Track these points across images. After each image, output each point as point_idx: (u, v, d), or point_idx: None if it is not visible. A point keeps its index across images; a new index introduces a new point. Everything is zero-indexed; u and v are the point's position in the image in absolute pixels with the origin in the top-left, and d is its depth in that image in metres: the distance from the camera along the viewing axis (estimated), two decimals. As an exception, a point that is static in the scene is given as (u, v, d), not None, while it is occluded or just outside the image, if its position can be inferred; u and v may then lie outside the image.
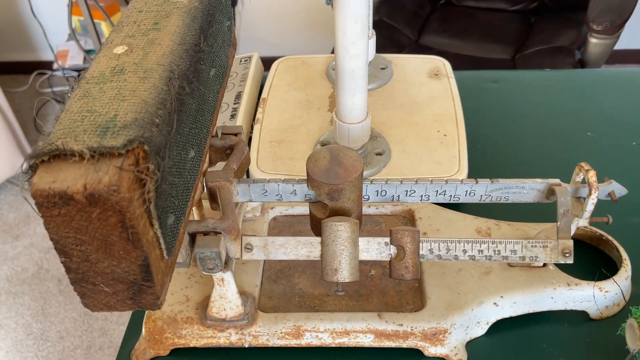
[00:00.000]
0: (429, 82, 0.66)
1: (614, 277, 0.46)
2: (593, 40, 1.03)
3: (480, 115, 0.66)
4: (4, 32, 2.04)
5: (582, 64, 1.11)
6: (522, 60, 1.20)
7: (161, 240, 0.29)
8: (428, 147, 0.58)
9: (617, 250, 0.48)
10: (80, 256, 0.27)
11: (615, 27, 0.99)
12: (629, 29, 1.84)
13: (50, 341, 1.27)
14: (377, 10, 1.32)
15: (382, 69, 0.67)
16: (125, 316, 1.31)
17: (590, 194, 0.41)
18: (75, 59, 1.62)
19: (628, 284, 0.47)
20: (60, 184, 0.25)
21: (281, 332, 0.44)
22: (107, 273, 0.28)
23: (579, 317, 0.46)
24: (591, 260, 0.49)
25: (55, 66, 1.65)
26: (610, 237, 0.49)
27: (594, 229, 0.50)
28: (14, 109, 1.62)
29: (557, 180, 0.43)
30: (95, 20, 1.44)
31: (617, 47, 1.13)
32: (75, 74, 1.71)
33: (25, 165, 0.26)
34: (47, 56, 2.08)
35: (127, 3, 1.86)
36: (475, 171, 0.57)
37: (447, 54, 1.20)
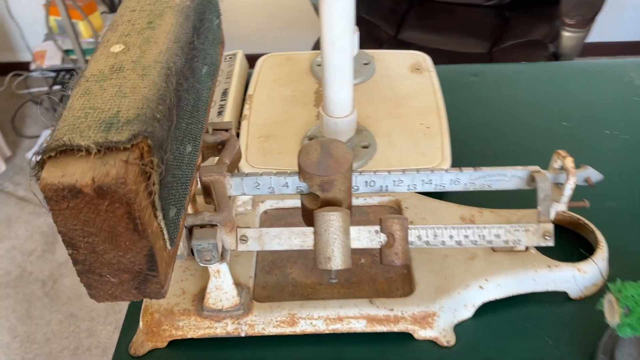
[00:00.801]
0: (411, 76, 0.68)
1: (591, 258, 0.48)
2: (566, 34, 1.06)
3: (461, 107, 0.68)
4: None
5: (556, 56, 1.14)
6: (499, 54, 1.23)
7: (164, 231, 0.30)
8: (412, 139, 0.59)
9: (594, 233, 0.50)
10: (87, 248, 0.28)
11: (587, 21, 1.02)
12: (599, 23, 1.89)
13: (37, 343, 1.27)
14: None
15: (365, 64, 0.69)
16: (112, 316, 1.31)
17: (568, 179, 0.43)
18: (53, 59, 1.60)
19: (605, 265, 0.49)
20: (69, 177, 0.26)
21: (276, 321, 0.46)
22: (113, 264, 0.29)
23: (560, 298, 0.48)
24: (570, 243, 0.52)
25: (33, 66, 1.63)
26: (587, 221, 0.51)
27: (572, 214, 0.52)
28: (-8, 111, 1.61)
29: (537, 168, 0.45)
30: (73, 20, 1.43)
31: (589, 40, 1.17)
32: (53, 74, 1.69)
33: (32, 161, 0.27)
34: (24, 57, 2.06)
35: (105, 3, 1.85)
36: (458, 161, 0.59)
37: (426, 49, 1.21)
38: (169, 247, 0.31)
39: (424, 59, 0.70)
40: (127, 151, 0.26)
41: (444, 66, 0.74)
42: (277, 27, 1.98)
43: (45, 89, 1.93)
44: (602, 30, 1.93)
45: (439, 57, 1.22)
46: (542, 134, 0.64)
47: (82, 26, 1.55)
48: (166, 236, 0.30)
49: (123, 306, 1.35)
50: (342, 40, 0.49)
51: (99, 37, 1.60)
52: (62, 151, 0.26)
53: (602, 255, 0.48)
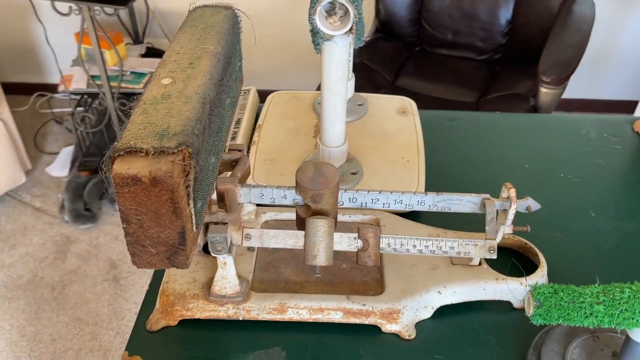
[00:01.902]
0: (398, 117, 0.79)
1: (531, 275, 0.58)
2: (543, 90, 1.19)
3: (438, 146, 0.79)
4: (19, 56, 2.16)
5: (535, 109, 1.26)
6: (485, 103, 1.35)
7: (193, 217, 0.41)
8: (393, 169, 0.70)
9: (537, 255, 0.61)
10: (137, 223, 0.39)
11: (562, 79, 1.14)
12: (585, 81, 2.03)
13: (42, 343, 1.35)
14: (358, 53, 1.47)
15: (359, 105, 0.81)
16: (115, 322, 1.39)
17: (510, 206, 0.54)
18: (79, 83, 1.74)
19: (544, 281, 0.59)
20: (133, 170, 0.37)
21: (269, 308, 0.56)
22: (154, 237, 0.40)
23: (505, 306, 0.58)
24: (518, 262, 0.62)
25: (60, 88, 1.76)
26: (532, 245, 0.61)
27: (521, 238, 0.62)
28: (16, 127, 1.73)
29: (488, 195, 0.56)
30: (103, 50, 1.57)
31: (565, 96, 1.29)
32: (77, 97, 1.82)
33: (105, 157, 0.38)
34: (49, 79, 2.20)
35: (130, 35, 2.00)
36: (431, 190, 0.70)
37: (419, 95, 1.35)
38: (195, 230, 0.42)
39: (410, 104, 0.82)
40: (174, 154, 0.37)
41: (428, 111, 0.85)
42: (286, 67, 2.12)
43: (68, 109, 2.06)
44: (575, 88, 2.06)
45: (431, 104, 1.36)
46: (506, 173, 0.75)
47: (108, 55, 1.68)
48: (194, 220, 0.41)
49: (125, 314, 1.43)
50: (338, 85, 0.60)
51: (123, 65, 1.73)
52: (128, 151, 0.37)
53: (541, 272, 0.59)
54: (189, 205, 0.40)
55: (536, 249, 0.61)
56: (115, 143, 0.38)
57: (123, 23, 1.99)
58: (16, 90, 2.22)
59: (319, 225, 0.51)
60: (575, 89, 2.04)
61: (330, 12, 0.55)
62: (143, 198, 0.37)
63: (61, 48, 2.02)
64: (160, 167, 0.36)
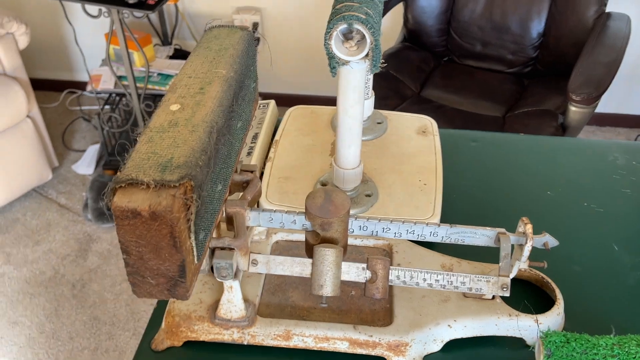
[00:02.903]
0: (417, 137, 0.78)
1: (547, 312, 0.56)
2: (572, 108, 1.15)
3: (458, 169, 0.77)
4: (50, 54, 2.20)
5: (563, 127, 1.23)
6: (512, 119, 1.32)
7: (194, 249, 0.40)
8: (410, 193, 0.69)
9: (554, 291, 0.58)
10: (137, 255, 0.38)
11: (592, 99, 1.11)
12: (617, 95, 1.96)
13: (60, 340, 1.37)
14: (385, 62, 1.45)
15: (379, 123, 0.79)
16: (131, 323, 1.41)
17: (526, 242, 0.52)
18: (107, 83, 1.76)
19: (559, 319, 0.57)
20: (133, 203, 0.36)
21: (274, 334, 0.55)
22: (154, 269, 0.39)
23: (517, 343, 0.56)
24: (534, 298, 0.60)
25: (88, 88, 1.79)
26: (549, 280, 0.59)
27: (538, 272, 0.60)
28: (45, 123, 1.76)
29: (503, 230, 0.54)
30: (130, 50, 1.59)
31: (606, 110, 1.24)
32: (105, 96, 1.85)
33: (108, 188, 0.37)
34: (80, 77, 2.24)
35: (159, 36, 2.02)
36: (447, 216, 0.68)
37: (445, 108, 1.32)
38: (196, 262, 0.41)
39: (431, 124, 0.80)
40: (175, 188, 0.37)
41: (448, 130, 0.83)
42: (310, 72, 2.11)
43: (96, 107, 2.09)
44: (621, 103, 2.00)
45: (456, 117, 1.33)
46: (527, 199, 0.73)
47: (136, 56, 1.70)
48: (195, 253, 0.40)
49: (142, 315, 1.45)
50: (354, 108, 0.59)
51: (150, 66, 1.75)
52: (129, 183, 0.37)
53: (557, 310, 0.56)
54: (189, 238, 0.39)
55: (553, 285, 0.59)
56: (118, 173, 0.38)
57: (152, 24, 2.01)
58: (48, 87, 2.27)
59: (327, 255, 0.50)
60: (608, 103, 1.98)
61: (347, 35, 0.54)
62: (143, 231, 0.37)
63: (90, 48, 2.06)
64: (160, 202, 0.36)
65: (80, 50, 2.01)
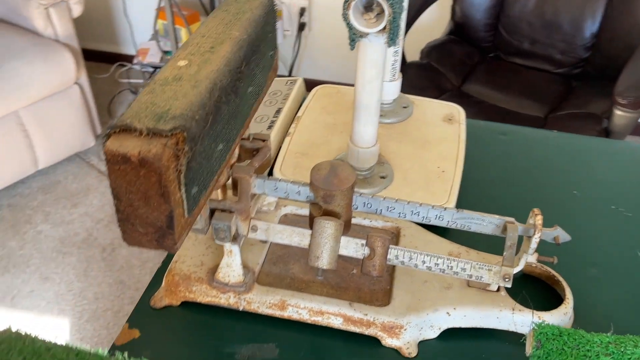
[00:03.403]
0: (442, 125, 0.76)
1: (554, 310, 0.54)
2: (617, 112, 1.09)
3: (482, 160, 0.75)
4: (98, 25, 2.28)
5: (607, 132, 1.17)
6: (554, 120, 1.27)
7: (184, 202, 0.40)
8: (426, 179, 0.67)
9: (564, 289, 0.56)
10: (127, 202, 0.39)
11: (639, 103, 1.05)
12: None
13: (86, 300, 1.42)
14: (427, 54, 1.42)
15: (404, 107, 0.78)
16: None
17: (534, 233, 0.50)
18: (153, 57, 1.80)
19: (568, 319, 0.54)
20: (124, 148, 0.36)
21: (270, 302, 0.55)
22: (143, 217, 0.40)
23: (518, 339, 0.54)
24: (545, 296, 0.57)
25: (135, 61, 1.84)
26: (560, 278, 0.57)
27: (550, 269, 0.58)
28: (94, 93, 1.82)
29: (512, 219, 0.52)
30: (176, 26, 1.62)
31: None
32: (151, 69, 1.89)
33: (103, 132, 0.38)
34: (129, 50, 2.30)
35: (207, 13, 2.05)
36: (463, 206, 0.66)
37: (484, 104, 1.28)
38: (187, 216, 0.41)
39: (458, 112, 0.78)
40: (167, 137, 0.37)
41: (478, 121, 0.81)
42: (351, 63, 2.10)
43: (142, 81, 2.15)
44: None
45: (495, 114, 1.29)
46: (551, 198, 0.70)
47: (183, 32, 1.73)
48: (185, 206, 0.40)
49: (166, 285, 1.48)
50: (372, 84, 0.58)
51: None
52: (123, 129, 0.37)
53: (564, 309, 0.54)
54: (179, 190, 0.39)
55: (564, 283, 0.56)
56: (116, 119, 0.39)
57: (202, 2, 2.04)
58: (100, 59, 2.34)
59: (326, 227, 0.50)
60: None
61: (367, 8, 0.53)
62: (132, 177, 0.37)
63: (139, 21, 2.10)
64: (150, 149, 0.36)
65: (129, 23, 2.05)
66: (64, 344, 0.37)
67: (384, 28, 0.51)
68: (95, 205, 1.71)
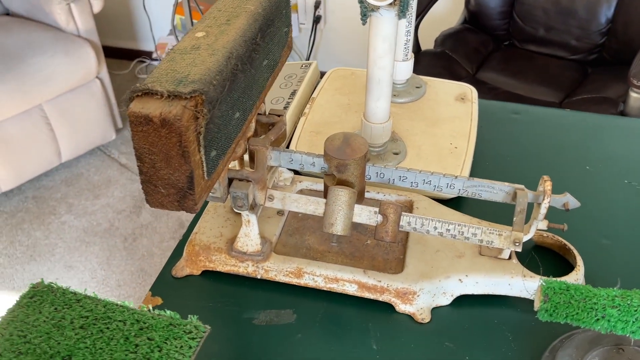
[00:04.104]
0: (455, 104, 0.77)
1: (564, 277, 0.55)
2: (633, 95, 1.09)
3: (495, 137, 0.76)
4: (117, 21, 2.32)
5: (623, 115, 1.16)
6: (569, 105, 1.27)
7: (204, 164, 0.42)
8: (439, 155, 0.68)
9: (575, 258, 0.57)
10: (149, 163, 0.41)
11: (654, 84, 1.05)
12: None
13: (109, 287, 1.46)
14: (442, 42, 1.43)
15: (417, 87, 0.79)
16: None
17: (544, 199, 0.51)
18: (172, 51, 1.83)
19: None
20: (146, 110, 0.39)
21: (286, 271, 0.57)
22: (165, 179, 0.42)
23: (529, 305, 0.55)
24: (556, 265, 0.58)
25: (154, 56, 1.87)
26: (571, 247, 0.58)
27: (561, 239, 0.59)
28: (114, 88, 1.86)
29: (522, 186, 0.53)
30: (194, 20, 1.65)
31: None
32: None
33: (126, 95, 0.40)
34: (147, 46, 2.34)
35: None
36: (475, 180, 0.67)
37: (499, 90, 1.29)
38: (206, 178, 0.43)
39: (471, 91, 0.79)
40: (186, 100, 0.39)
41: (492, 101, 0.82)
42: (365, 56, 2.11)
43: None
44: None
45: (509, 100, 1.29)
46: (563, 173, 0.71)
47: (201, 26, 1.76)
48: (205, 168, 0.42)
49: (185, 273, 1.51)
50: (384, 59, 0.59)
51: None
52: (145, 93, 0.39)
53: (575, 276, 0.55)
54: (199, 151, 0.41)
55: (575, 251, 0.57)
56: (138, 84, 0.41)
57: (220, -2, 2.07)
58: (120, 55, 2.38)
59: (340, 195, 0.51)
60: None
61: (378, -18, 0.54)
62: (154, 138, 0.39)
63: (157, 17, 2.14)
64: (170, 110, 0.38)
65: (149, 18, 2.09)
66: (92, 295, 0.39)
67: (395, 1, 0.52)
68: (116, 196, 1.75)
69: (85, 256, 1.56)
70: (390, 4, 0.52)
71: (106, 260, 1.54)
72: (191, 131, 0.39)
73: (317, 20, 1.96)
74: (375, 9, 0.54)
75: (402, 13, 0.52)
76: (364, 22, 0.56)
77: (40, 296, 0.39)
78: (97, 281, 1.48)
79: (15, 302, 0.39)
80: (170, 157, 0.40)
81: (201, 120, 0.40)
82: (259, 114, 0.57)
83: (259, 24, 0.49)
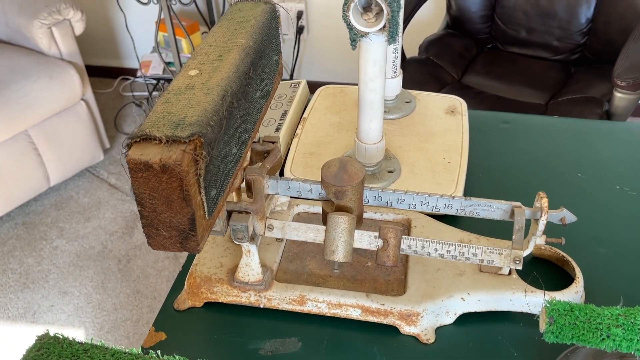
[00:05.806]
0: (445, 117, 0.77)
1: (564, 290, 0.55)
2: (618, 95, 1.11)
3: (486, 149, 0.76)
4: (100, 41, 2.31)
5: (608, 115, 1.18)
6: (555, 106, 1.28)
7: (205, 204, 0.42)
8: (433, 170, 0.69)
9: (574, 270, 0.57)
10: (150, 207, 0.41)
11: (638, 84, 1.06)
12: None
13: (105, 311, 1.45)
14: (425, 49, 1.44)
15: (407, 102, 0.79)
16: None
17: (541, 216, 0.52)
18: (156, 68, 1.83)
19: (579, 298, 0.56)
20: (145, 156, 0.38)
21: (289, 299, 0.57)
22: (166, 222, 0.42)
23: (532, 320, 0.56)
24: (556, 277, 0.59)
25: (138, 73, 1.87)
26: (570, 258, 0.58)
27: (559, 250, 0.59)
28: (99, 107, 1.85)
29: (519, 204, 0.53)
30: (177, 37, 1.64)
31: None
32: (154, 81, 1.92)
33: (124, 143, 0.40)
34: (131, 64, 2.33)
35: (207, 23, 2.07)
36: (471, 195, 0.68)
37: (485, 94, 1.30)
38: (207, 217, 0.43)
39: (460, 104, 0.79)
40: (185, 144, 0.39)
41: (481, 111, 0.83)
42: (352, 63, 2.12)
43: (146, 94, 2.17)
44: None
45: (496, 103, 1.31)
46: (556, 182, 0.71)
47: (184, 43, 1.76)
48: (205, 208, 0.42)
49: (182, 292, 1.50)
50: (375, 82, 0.60)
51: (197, 53, 1.80)
52: (143, 139, 0.39)
53: (575, 289, 0.56)
54: (200, 193, 0.41)
55: (573, 263, 0.58)
56: (135, 130, 0.41)
57: (201, 12, 2.07)
58: (103, 74, 2.37)
59: (339, 222, 0.52)
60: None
61: (366, 8, 0.55)
62: (155, 184, 0.39)
63: (140, 35, 2.13)
64: (170, 156, 0.38)
65: (131, 37, 2.08)
66: (99, 344, 0.39)
67: (384, 27, 0.53)
68: (107, 218, 1.73)
69: (79, 280, 1.54)
70: (380, 29, 0.53)
71: (101, 283, 1.53)
72: (191, 175, 0.39)
73: (300, 30, 1.96)
74: (364, 35, 0.54)
75: (391, 39, 0.52)
76: (354, 47, 0.56)
77: (47, 349, 0.38)
78: (93, 306, 1.47)
79: (21, 356, 0.38)
80: (172, 201, 0.40)
81: (201, 162, 0.40)
82: (253, 142, 0.57)
83: (251, 57, 0.50)
